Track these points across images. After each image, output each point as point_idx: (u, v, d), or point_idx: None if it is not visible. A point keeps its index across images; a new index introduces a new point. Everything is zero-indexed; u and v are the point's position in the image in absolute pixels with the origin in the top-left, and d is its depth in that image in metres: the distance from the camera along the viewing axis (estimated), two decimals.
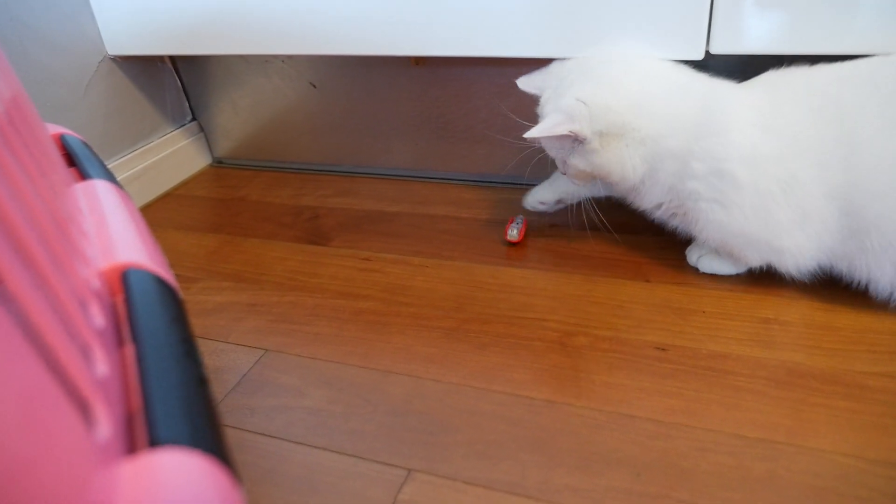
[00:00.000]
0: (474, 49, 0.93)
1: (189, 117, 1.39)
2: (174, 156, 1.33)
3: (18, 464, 0.19)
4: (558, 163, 0.87)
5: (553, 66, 0.86)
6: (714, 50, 0.81)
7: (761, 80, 0.79)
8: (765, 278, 0.82)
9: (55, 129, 0.65)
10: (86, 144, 0.64)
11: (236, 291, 0.94)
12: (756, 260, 0.81)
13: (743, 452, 0.61)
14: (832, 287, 0.81)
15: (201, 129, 1.40)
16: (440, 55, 0.96)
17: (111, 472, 0.24)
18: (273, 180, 1.32)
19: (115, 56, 1.18)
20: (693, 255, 0.89)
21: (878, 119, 0.69)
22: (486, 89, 1.12)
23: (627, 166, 0.79)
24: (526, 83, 0.88)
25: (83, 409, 0.24)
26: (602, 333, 0.78)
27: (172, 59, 1.32)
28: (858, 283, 0.76)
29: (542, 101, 0.85)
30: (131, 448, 0.28)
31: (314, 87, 1.24)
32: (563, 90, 0.80)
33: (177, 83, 1.34)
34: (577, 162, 0.82)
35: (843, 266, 0.76)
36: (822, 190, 0.72)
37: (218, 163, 1.43)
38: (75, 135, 0.66)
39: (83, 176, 0.55)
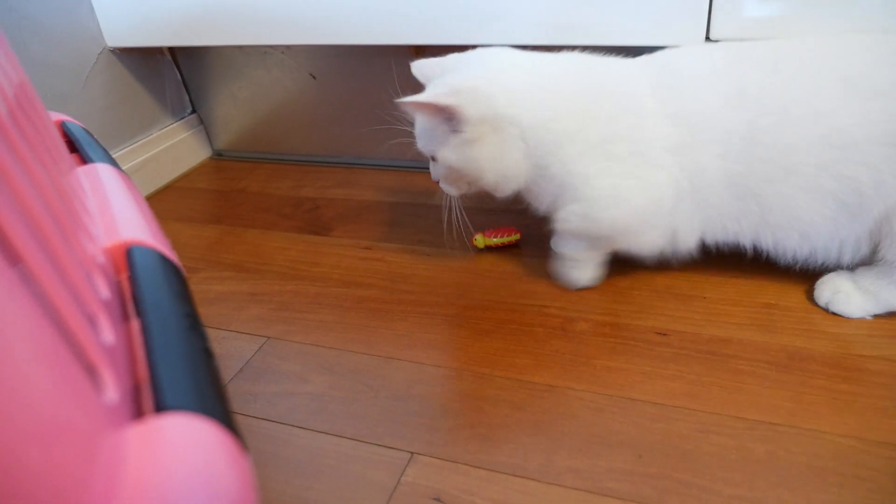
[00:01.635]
0: (475, 38, 0.93)
1: (189, 110, 1.39)
2: (174, 148, 1.33)
3: (38, 422, 0.19)
4: (431, 167, 0.83)
5: (448, 57, 0.82)
6: (714, 36, 0.81)
7: (661, 63, 0.76)
8: (766, 265, 0.82)
9: (56, 116, 0.65)
10: (86, 130, 0.64)
11: (238, 281, 0.94)
12: (634, 243, 0.79)
13: (744, 434, 0.61)
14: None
15: (201, 121, 1.40)
16: (441, 44, 0.96)
17: (119, 435, 0.24)
18: (273, 172, 1.32)
19: (115, 48, 1.18)
20: (561, 268, 0.84)
21: (778, 104, 0.68)
22: None
23: (506, 162, 0.75)
24: (418, 69, 0.83)
25: (91, 373, 0.25)
26: (603, 319, 0.78)
27: (172, 51, 1.32)
28: (761, 252, 0.77)
29: (427, 89, 0.80)
30: (138, 415, 0.28)
31: (314, 78, 1.24)
32: (449, 78, 0.77)
33: (176, 75, 1.34)
34: (449, 155, 0.76)
35: (744, 241, 0.76)
36: (722, 179, 0.72)
37: (218, 155, 1.43)
38: (76, 122, 0.66)
39: (84, 160, 0.55)
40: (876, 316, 0.74)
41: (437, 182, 0.83)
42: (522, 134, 0.74)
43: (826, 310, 0.76)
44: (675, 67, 0.75)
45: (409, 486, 0.59)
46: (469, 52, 0.80)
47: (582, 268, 0.83)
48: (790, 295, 0.79)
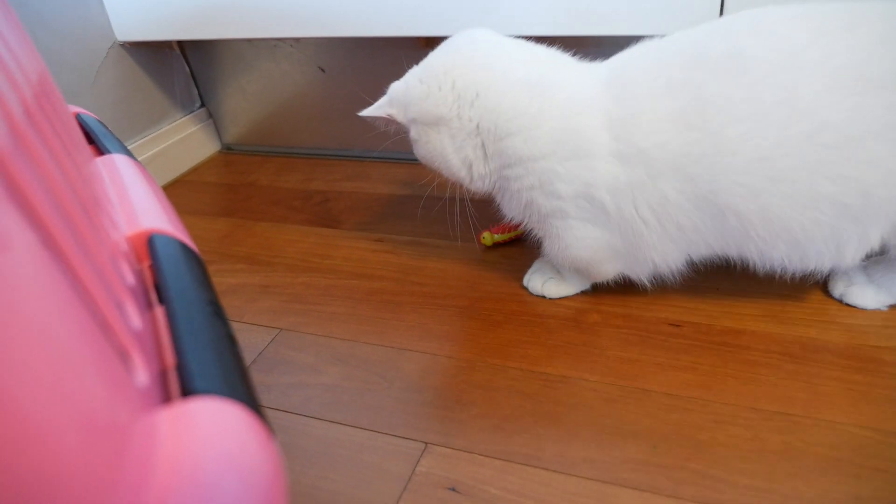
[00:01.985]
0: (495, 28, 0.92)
1: (198, 103, 1.39)
2: (183, 142, 1.34)
3: (79, 403, 0.19)
4: None
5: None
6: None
7: (615, 76, 0.69)
8: None
9: (71, 108, 0.65)
10: (101, 122, 0.65)
11: (249, 273, 0.95)
12: (613, 273, 0.76)
13: (759, 425, 0.61)
14: None
15: (210, 115, 1.40)
16: (449, 35, 0.95)
17: (151, 418, 0.24)
18: (282, 165, 1.32)
19: (125, 42, 1.19)
20: (537, 282, 0.82)
21: (749, 108, 0.61)
22: None
23: (453, 161, 0.74)
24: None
25: (122, 357, 0.25)
26: (615, 311, 0.78)
27: (181, 45, 1.32)
28: (748, 265, 0.71)
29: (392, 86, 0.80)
30: (166, 400, 0.28)
31: (323, 71, 1.24)
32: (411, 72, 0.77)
33: (185, 69, 1.34)
34: (416, 148, 0.78)
35: (729, 253, 0.70)
36: (693, 202, 0.65)
37: (227, 149, 1.43)
38: (90, 114, 0.66)
39: (101, 151, 0.55)
40: (891, 306, 0.74)
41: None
42: (474, 130, 0.72)
43: (840, 301, 0.75)
44: (626, 84, 0.67)
45: (424, 475, 0.60)
46: (443, 44, 0.78)
47: (567, 284, 0.82)
48: (803, 286, 0.79)
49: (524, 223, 0.77)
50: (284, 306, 0.86)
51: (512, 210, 0.76)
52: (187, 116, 1.36)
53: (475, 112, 0.71)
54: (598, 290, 0.82)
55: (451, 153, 0.74)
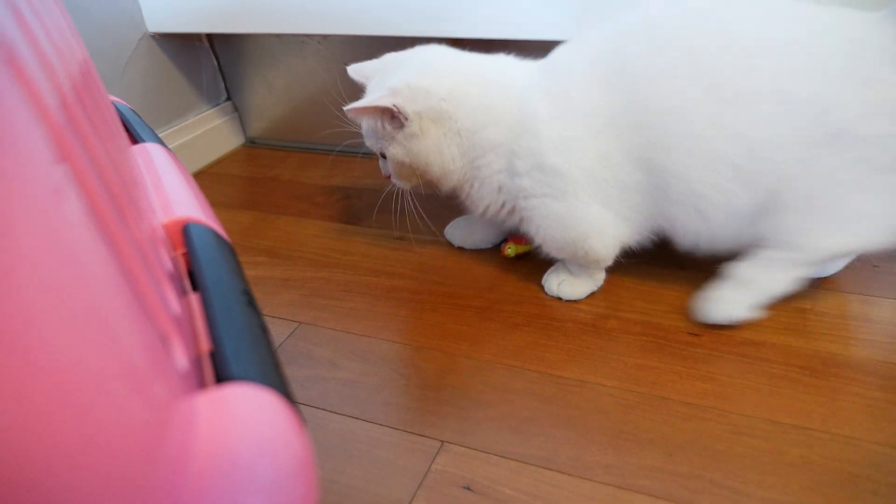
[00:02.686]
0: (516, 32, 0.93)
1: (224, 96, 1.40)
2: (208, 134, 1.35)
3: (126, 381, 0.20)
4: (381, 163, 0.86)
5: (385, 56, 0.85)
6: None
7: (553, 61, 0.78)
8: None
9: None
10: (134, 111, 0.66)
11: (270, 266, 0.95)
12: (601, 250, 0.77)
13: (777, 437, 0.61)
14: (869, 279, 0.80)
15: (235, 108, 1.42)
16: (479, 38, 0.96)
17: (190, 401, 0.25)
18: (305, 161, 1.33)
19: (155, 33, 1.20)
20: (553, 283, 0.83)
21: (657, 72, 0.67)
22: None
23: (446, 156, 0.78)
24: (355, 71, 0.87)
25: (162, 340, 0.25)
26: (634, 317, 0.78)
27: (210, 38, 1.33)
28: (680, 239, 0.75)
29: (368, 90, 0.84)
30: (200, 386, 0.29)
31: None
32: (387, 77, 0.80)
33: (213, 62, 1.36)
34: (397, 151, 0.79)
35: (665, 225, 0.74)
36: (627, 158, 0.71)
37: (251, 142, 1.45)
38: (124, 102, 0.67)
39: (135, 140, 0.56)
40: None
41: (388, 177, 0.86)
42: (459, 128, 0.77)
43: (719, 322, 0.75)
44: (559, 65, 0.76)
45: (440, 473, 0.60)
46: (405, 51, 0.83)
47: (580, 282, 0.82)
48: (825, 300, 0.78)
49: (498, 213, 0.82)
50: (304, 300, 0.87)
51: (483, 198, 0.81)
52: (213, 109, 1.37)
53: (461, 112, 0.76)
54: (618, 297, 0.82)
55: (445, 148, 0.78)
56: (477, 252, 0.94)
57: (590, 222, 0.75)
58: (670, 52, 0.67)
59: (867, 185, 0.64)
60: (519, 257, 0.92)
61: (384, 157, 0.82)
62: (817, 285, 0.80)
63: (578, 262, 0.80)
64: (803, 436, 0.61)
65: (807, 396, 0.65)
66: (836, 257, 0.73)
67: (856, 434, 0.61)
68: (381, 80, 0.81)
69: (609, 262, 0.80)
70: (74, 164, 0.22)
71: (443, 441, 0.63)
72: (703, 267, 0.85)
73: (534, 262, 0.90)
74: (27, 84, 0.20)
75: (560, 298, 0.82)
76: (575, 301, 0.82)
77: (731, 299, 0.74)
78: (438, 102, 0.76)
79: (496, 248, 0.94)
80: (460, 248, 0.95)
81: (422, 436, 0.64)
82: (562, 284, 0.82)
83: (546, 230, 0.78)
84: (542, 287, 0.85)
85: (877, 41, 0.61)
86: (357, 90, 1.27)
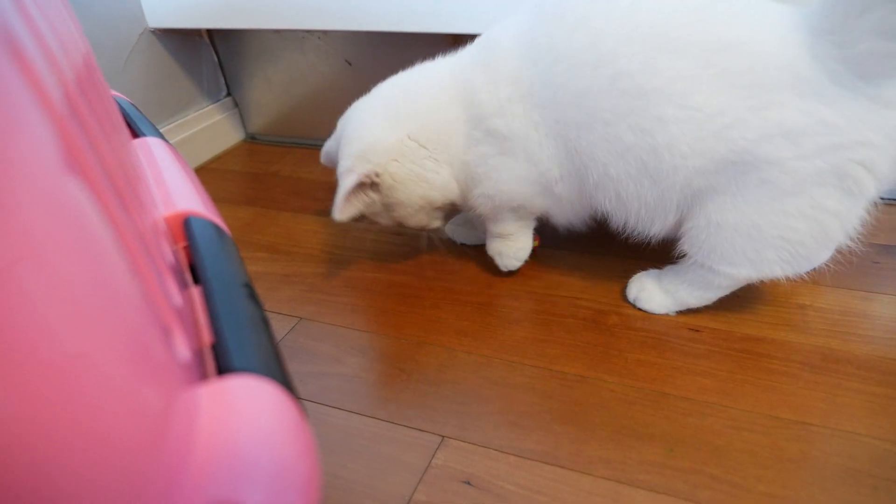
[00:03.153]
0: None
1: (224, 92, 1.40)
2: (208, 130, 1.35)
3: (130, 370, 0.20)
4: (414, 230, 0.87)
5: (333, 133, 0.89)
6: None
7: (485, 37, 0.79)
8: None
9: None
10: (135, 106, 0.66)
11: (271, 262, 0.95)
12: (542, 206, 0.79)
13: (777, 433, 0.61)
14: (869, 275, 0.80)
15: (235, 104, 1.41)
16: (478, 33, 0.96)
17: (192, 393, 0.25)
18: (305, 157, 1.33)
19: (156, 29, 1.20)
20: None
21: (565, 54, 0.67)
22: None
23: (430, 176, 0.78)
24: (325, 157, 0.92)
25: (166, 332, 0.25)
26: (634, 313, 0.78)
27: (210, 33, 1.33)
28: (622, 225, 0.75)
29: (338, 172, 0.83)
30: (202, 378, 0.29)
31: (349, 64, 1.25)
32: (340, 153, 0.82)
33: (213, 58, 1.36)
34: (400, 211, 0.81)
35: (599, 209, 0.75)
36: (551, 135, 0.71)
37: (251, 138, 1.45)
38: (124, 97, 0.67)
39: (136, 134, 0.56)
40: (679, 312, 0.77)
41: (423, 229, 0.87)
42: (420, 150, 0.78)
43: (634, 305, 0.79)
44: (491, 40, 0.77)
45: (440, 468, 0.60)
46: (341, 118, 0.88)
47: (517, 241, 0.85)
48: (825, 296, 0.79)
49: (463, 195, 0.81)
50: (305, 296, 0.87)
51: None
52: (213, 105, 1.37)
53: (412, 132, 0.78)
54: (618, 293, 0.82)
55: (422, 172, 0.78)
56: (477, 248, 0.94)
57: (535, 186, 0.76)
58: (577, 36, 0.66)
59: (772, 208, 0.62)
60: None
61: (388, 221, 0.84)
62: (817, 281, 0.80)
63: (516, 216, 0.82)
64: (803, 431, 0.61)
65: (807, 392, 0.65)
66: (744, 283, 0.72)
67: (856, 429, 0.61)
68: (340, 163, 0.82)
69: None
70: (78, 156, 0.22)
71: (443, 436, 0.63)
72: None
73: (532, 261, 0.90)
74: (31, 76, 0.20)
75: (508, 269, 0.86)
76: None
77: (653, 297, 0.78)
78: (385, 145, 0.77)
79: None
80: (461, 245, 0.95)
81: (422, 431, 0.64)
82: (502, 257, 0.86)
83: (497, 184, 0.77)
84: (541, 283, 0.85)
85: (785, 59, 0.58)
86: (358, 84, 1.27)
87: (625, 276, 0.83)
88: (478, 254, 0.93)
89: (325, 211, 1.09)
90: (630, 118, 0.64)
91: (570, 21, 0.67)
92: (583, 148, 0.69)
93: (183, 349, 0.26)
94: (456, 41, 1.11)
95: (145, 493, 0.20)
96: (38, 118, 0.19)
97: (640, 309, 0.78)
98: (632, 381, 0.68)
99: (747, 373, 0.68)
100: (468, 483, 0.58)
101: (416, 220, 0.82)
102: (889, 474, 0.56)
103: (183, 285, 0.35)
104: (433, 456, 0.61)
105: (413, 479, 0.59)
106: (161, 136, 0.57)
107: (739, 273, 0.68)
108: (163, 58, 1.24)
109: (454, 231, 0.96)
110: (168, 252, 0.33)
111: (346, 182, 0.76)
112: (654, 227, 0.71)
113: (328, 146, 0.91)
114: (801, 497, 0.55)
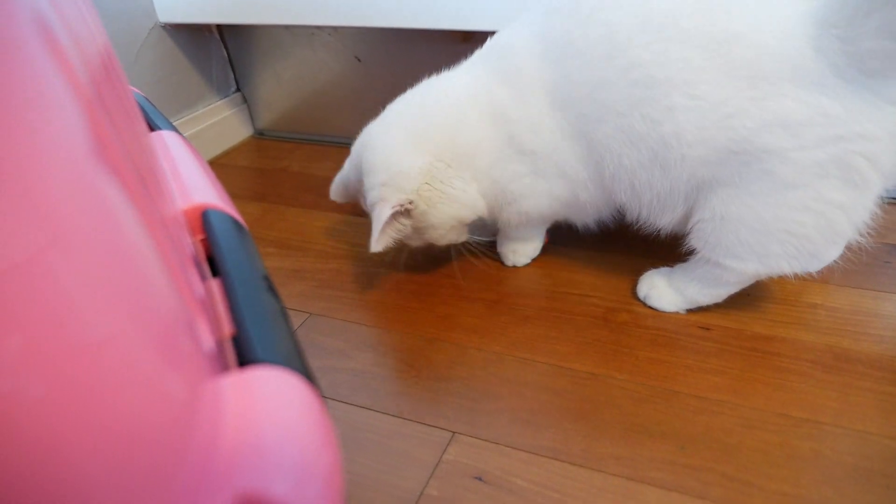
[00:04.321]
0: None
1: (233, 88, 1.40)
2: (218, 126, 1.35)
3: (157, 358, 0.20)
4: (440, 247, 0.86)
5: (347, 161, 0.88)
6: None
7: (496, 45, 0.78)
8: None
9: None
10: (148, 100, 0.66)
11: (280, 257, 0.96)
12: (584, 218, 0.81)
13: (788, 431, 0.61)
14: (881, 274, 0.80)
15: (244, 99, 1.42)
16: (488, 30, 0.95)
17: (216, 383, 0.25)
18: (314, 153, 1.33)
19: (166, 24, 1.20)
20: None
21: (579, 48, 0.67)
22: None
23: (460, 197, 0.77)
24: (337, 193, 0.90)
25: (191, 321, 0.25)
26: (645, 311, 0.78)
27: (220, 29, 1.33)
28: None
29: (367, 203, 0.80)
30: (224, 369, 0.29)
31: (359, 60, 1.25)
32: (361, 191, 0.81)
33: (223, 54, 1.36)
34: (432, 232, 0.79)
35: (618, 201, 0.75)
36: (573, 131, 0.71)
37: (259, 134, 1.45)
38: (138, 91, 0.67)
39: (151, 128, 0.56)
40: (689, 311, 0.77)
41: (447, 245, 0.86)
42: (449, 170, 0.76)
43: (644, 303, 0.79)
44: (504, 46, 0.76)
45: (451, 464, 0.60)
46: (356, 145, 0.85)
47: (532, 242, 0.88)
48: (836, 296, 0.78)
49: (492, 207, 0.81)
50: (315, 291, 0.87)
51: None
52: (222, 100, 1.37)
53: (442, 156, 0.76)
54: (628, 291, 0.82)
55: (453, 192, 0.77)
56: (486, 245, 0.94)
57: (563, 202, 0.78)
58: (592, 27, 0.67)
59: (776, 201, 0.62)
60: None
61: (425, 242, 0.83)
62: (828, 280, 0.80)
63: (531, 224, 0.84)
64: (815, 430, 0.61)
65: (818, 391, 0.65)
66: (753, 279, 0.72)
67: (867, 428, 0.61)
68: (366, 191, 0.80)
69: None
70: (105, 140, 0.22)
71: (454, 432, 0.63)
72: None
73: (542, 259, 0.90)
74: (62, 58, 0.20)
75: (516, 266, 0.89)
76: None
77: (663, 295, 0.78)
78: (416, 171, 0.75)
79: None
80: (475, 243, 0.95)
81: (433, 426, 0.64)
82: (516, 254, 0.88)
83: (533, 203, 0.78)
84: (552, 281, 0.85)
85: (787, 51, 0.58)
86: (368, 80, 1.27)
87: (635, 274, 0.83)
88: (487, 251, 0.92)
89: (335, 207, 1.09)
90: (642, 108, 0.64)
91: (585, 13, 0.67)
92: (599, 140, 0.69)
93: (207, 339, 0.26)
94: (465, 38, 1.11)
95: (172, 482, 0.20)
96: (68, 101, 0.19)
97: (650, 307, 0.78)
98: (642, 379, 0.68)
99: (758, 371, 0.68)
100: (480, 479, 0.58)
101: (447, 238, 0.82)
102: None
103: (202, 277, 0.35)
104: (444, 451, 0.61)
105: (424, 475, 0.59)
106: (176, 129, 0.57)
107: (746, 268, 0.68)
108: (172, 53, 1.24)
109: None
110: (189, 243, 0.33)
111: (381, 214, 0.74)
112: (664, 218, 0.72)
113: (343, 177, 0.89)
114: (812, 495, 0.55)
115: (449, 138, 0.76)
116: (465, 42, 1.13)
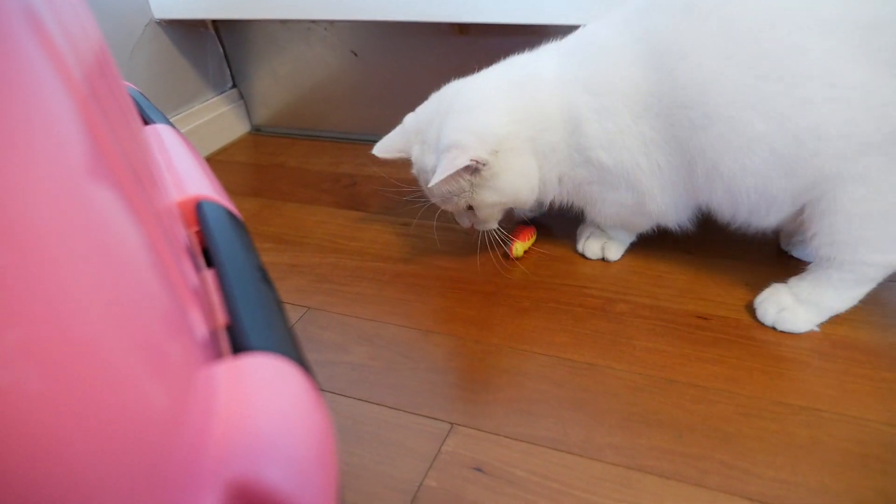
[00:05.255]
0: (522, 17, 0.92)
1: (229, 84, 1.40)
2: (214, 122, 1.35)
3: (149, 347, 0.20)
4: (459, 217, 0.85)
5: (406, 120, 0.84)
6: None
7: (584, 46, 0.76)
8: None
9: None
10: (143, 94, 0.66)
11: (278, 252, 0.96)
12: (645, 225, 0.82)
13: (786, 419, 0.61)
14: None
15: (241, 95, 1.41)
16: (485, 23, 0.96)
17: (210, 371, 0.25)
18: (311, 148, 1.33)
19: (161, 20, 1.20)
20: (595, 247, 0.87)
21: (694, 47, 0.64)
22: None
23: (531, 175, 0.77)
24: (385, 150, 0.85)
25: (184, 309, 0.25)
26: (643, 301, 0.78)
27: (215, 25, 1.33)
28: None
29: (416, 157, 0.81)
30: (218, 358, 0.29)
31: (355, 55, 1.25)
32: (429, 138, 0.78)
33: (219, 49, 1.35)
34: (485, 196, 0.77)
35: (705, 204, 0.74)
36: (664, 138, 0.70)
37: (256, 130, 1.45)
38: (132, 86, 0.67)
39: (146, 122, 0.56)
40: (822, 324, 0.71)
41: (470, 227, 0.86)
42: (529, 144, 0.76)
43: (774, 328, 0.72)
44: (593, 49, 0.74)
45: (450, 455, 0.60)
46: (426, 105, 0.83)
47: (618, 244, 0.87)
48: None
49: (563, 201, 0.83)
50: (312, 286, 0.87)
51: (548, 193, 0.82)
52: (219, 96, 1.37)
53: (523, 129, 0.76)
54: (627, 280, 0.82)
55: (525, 169, 0.77)
56: (484, 238, 0.94)
57: (634, 211, 0.78)
58: (708, 25, 0.63)
59: None
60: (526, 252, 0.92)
61: (469, 208, 0.81)
62: None
63: (625, 229, 0.85)
64: (812, 417, 0.61)
65: (815, 378, 0.65)
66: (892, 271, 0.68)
67: (865, 415, 0.61)
68: (427, 145, 0.79)
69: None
70: (99, 135, 0.22)
71: (452, 423, 0.64)
72: (710, 252, 0.85)
73: (539, 250, 0.90)
74: (55, 55, 0.20)
75: (604, 260, 0.87)
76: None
77: (797, 315, 0.71)
78: (504, 132, 0.74)
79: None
80: (465, 233, 0.95)
81: (431, 418, 0.64)
82: (607, 245, 0.86)
83: (605, 211, 0.80)
84: (549, 272, 0.85)
85: None
86: (364, 75, 1.27)
87: (631, 263, 0.83)
88: (485, 244, 0.92)
89: (332, 202, 1.09)
90: (767, 104, 0.61)
91: (703, 11, 0.64)
92: (695, 147, 0.67)
93: (201, 328, 0.26)
94: (462, 31, 1.11)
95: (165, 469, 0.21)
96: (61, 95, 0.19)
97: (782, 331, 0.71)
98: (640, 369, 0.68)
99: (756, 360, 0.68)
100: (479, 469, 0.59)
101: (488, 213, 0.81)
102: None
103: (196, 268, 0.35)
104: (443, 443, 0.62)
105: (423, 466, 0.59)
106: (170, 123, 0.57)
107: (887, 260, 0.65)
108: (168, 49, 1.24)
109: (462, 217, 0.96)
110: (183, 234, 0.33)
111: (455, 159, 0.71)
112: (769, 219, 0.70)
113: (391, 138, 0.86)
114: (810, 482, 0.55)
115: (534, 121, 0.75)
116: (461, 35, 1.13)
